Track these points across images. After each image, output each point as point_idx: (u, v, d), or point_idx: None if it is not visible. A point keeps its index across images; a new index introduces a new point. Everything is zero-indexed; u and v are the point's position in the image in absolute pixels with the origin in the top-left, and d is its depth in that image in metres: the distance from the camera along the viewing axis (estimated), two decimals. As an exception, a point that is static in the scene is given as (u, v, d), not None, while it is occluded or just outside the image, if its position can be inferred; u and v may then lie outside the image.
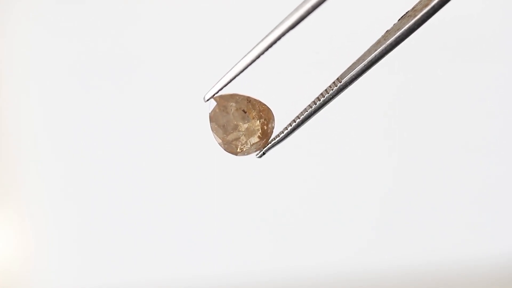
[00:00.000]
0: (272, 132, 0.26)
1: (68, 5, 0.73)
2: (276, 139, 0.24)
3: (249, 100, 0.26)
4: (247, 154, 0.26)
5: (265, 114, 0.26)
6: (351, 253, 0.73)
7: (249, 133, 0.25)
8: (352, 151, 0.73)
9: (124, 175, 0.74)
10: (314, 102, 0.24)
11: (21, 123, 0.75)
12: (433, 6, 0.22)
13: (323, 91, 0.25)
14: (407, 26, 0.23)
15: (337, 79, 0.25)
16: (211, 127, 0.26)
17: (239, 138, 0.25)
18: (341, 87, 0.24)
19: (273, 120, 0.26)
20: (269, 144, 0.25)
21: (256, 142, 0.25)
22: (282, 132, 0.24)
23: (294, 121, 0.24)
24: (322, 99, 0.24)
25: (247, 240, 0.74)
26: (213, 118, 0.26)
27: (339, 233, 0.73)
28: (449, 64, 0.71)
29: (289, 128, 0.24)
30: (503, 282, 0.71)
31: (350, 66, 0.24)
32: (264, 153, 0.25)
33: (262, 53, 0.26)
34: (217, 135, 0.26)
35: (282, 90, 0.69)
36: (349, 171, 0.73)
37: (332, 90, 0.24)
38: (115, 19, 0.74)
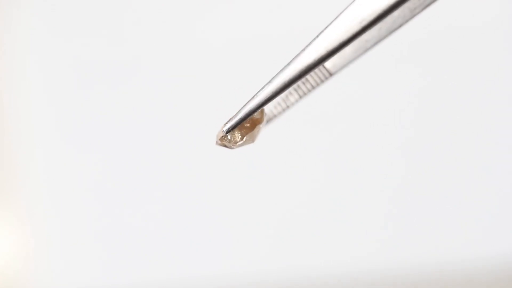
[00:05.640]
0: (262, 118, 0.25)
1: (68, 6, 0.74)
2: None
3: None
4: (238, 144, 0.25)
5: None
6: (357, 253, 0.73)
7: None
8: (360, 147, 0.72)
9: (124, 175, 0.74)
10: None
11: (21, 122, 0.75)
12: None
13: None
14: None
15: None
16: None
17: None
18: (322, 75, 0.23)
19: (263, 112, 0.26)
20: (232, 121, 0.23)
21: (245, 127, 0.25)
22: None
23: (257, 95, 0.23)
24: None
25: (249, 240, 0.74)
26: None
27: (346, 232, 0.73)
28: (457, 62, 0.71)
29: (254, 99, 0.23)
30: (503, 282, 0.70)
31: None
32: (228, 131, 0.24)
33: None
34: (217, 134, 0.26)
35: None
36: (358, 168, 0.73)
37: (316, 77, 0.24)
38: (116, 20, 0.74)
